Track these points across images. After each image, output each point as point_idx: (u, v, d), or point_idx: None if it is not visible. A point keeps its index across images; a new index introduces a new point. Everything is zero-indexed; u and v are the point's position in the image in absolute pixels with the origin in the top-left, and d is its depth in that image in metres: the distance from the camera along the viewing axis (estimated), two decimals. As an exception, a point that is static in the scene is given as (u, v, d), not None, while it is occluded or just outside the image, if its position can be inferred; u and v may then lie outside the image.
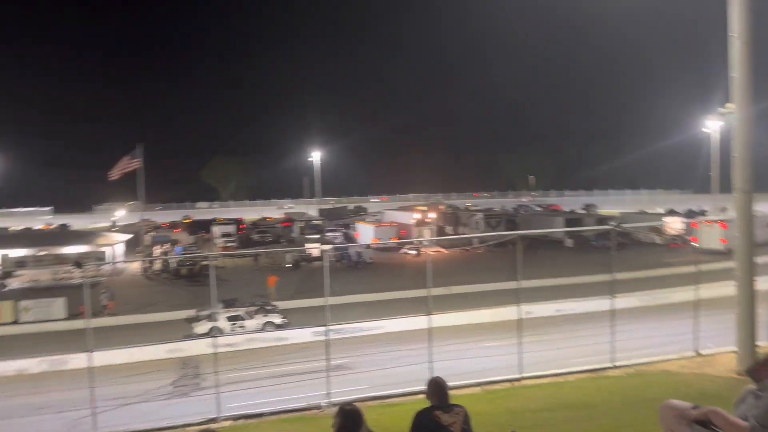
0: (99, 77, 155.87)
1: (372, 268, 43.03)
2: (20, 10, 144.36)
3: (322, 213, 77.33)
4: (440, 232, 57.00)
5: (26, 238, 54.22)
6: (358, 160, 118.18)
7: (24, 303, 29.45)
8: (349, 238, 59.11)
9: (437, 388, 5.70)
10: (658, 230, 50.41)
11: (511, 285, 27.87)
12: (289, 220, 69.94)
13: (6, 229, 64.85)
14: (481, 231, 54.34)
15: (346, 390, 16.49)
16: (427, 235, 53.32)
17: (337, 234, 57.91)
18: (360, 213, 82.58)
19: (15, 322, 28.68)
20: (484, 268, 36.68)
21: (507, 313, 23.48)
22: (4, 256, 44.13)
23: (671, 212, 62.74)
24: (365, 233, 56.30)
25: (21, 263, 43.41)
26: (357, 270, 41.75)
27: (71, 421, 15.76)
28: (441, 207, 70.60)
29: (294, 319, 27.06)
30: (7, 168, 72.35)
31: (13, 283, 39.88)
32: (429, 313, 17.11)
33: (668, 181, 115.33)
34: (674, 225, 48.94)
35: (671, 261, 36.34)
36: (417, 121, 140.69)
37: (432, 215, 59.36)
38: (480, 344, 21.44)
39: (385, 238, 51.99)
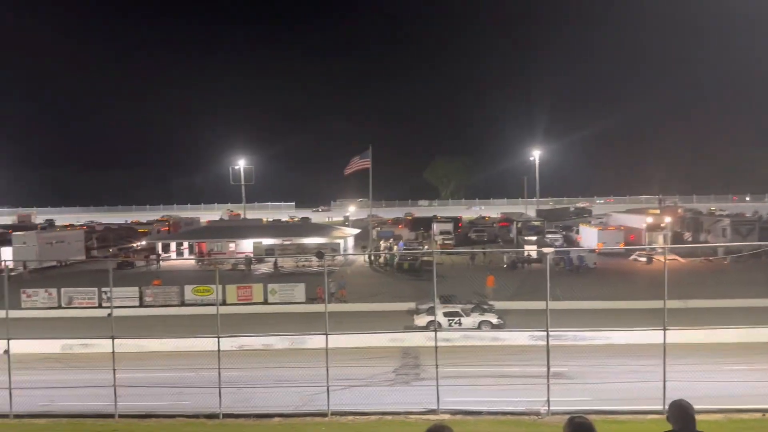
0: (334, 81, 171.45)
1: (595, 273, 40.62)
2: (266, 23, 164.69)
3: (541, 214, 75.18)
4: (677, 238, 51.68)
5: (275, 228, 61.71)
6: (583, 157, 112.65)
7: (271, 286, 33.48)
8: (570, 241, 56.60)
9: (682, 413, 5.10)
10: None
11: (763, 303, 24.10)
12: (506, 220, 69.33)
13: (260, 220, 74.48)
14: (728, 240, 47.95)
15: (566, 399, 15.80)
16: (660, 241, 48.74)
17: (557, 236, 55.84)
18: (583, 215, 78.65)
19: (264, 302, 32.72)
20: (730, 281, 32.38)
21: (758, 334, 20.46)
22: (257, 244, 50.75)
23: None
24: (588, 236, 53.44)
25: (270, 251, 49.52)
26: (578, 275, 39.76)
27: (307, 396, 17.47)
28: (678, 210, 63.96)
29: (510, 320, 26.70)
30: (259, 167, 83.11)
31: (263, 268, 45.71)
32: (664, 328, 15.57)
33: None
34: None
35: None
36: (651, 114, 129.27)
37: (667, 219, 54.02)
38: (722, 366, 18.96)
39: (611, 242, 48.76)
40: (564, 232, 59.25)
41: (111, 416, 15.99)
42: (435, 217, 72.45)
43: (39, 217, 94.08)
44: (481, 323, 26.17)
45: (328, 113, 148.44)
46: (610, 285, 34.61)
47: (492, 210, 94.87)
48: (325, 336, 16.40)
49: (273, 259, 47.20)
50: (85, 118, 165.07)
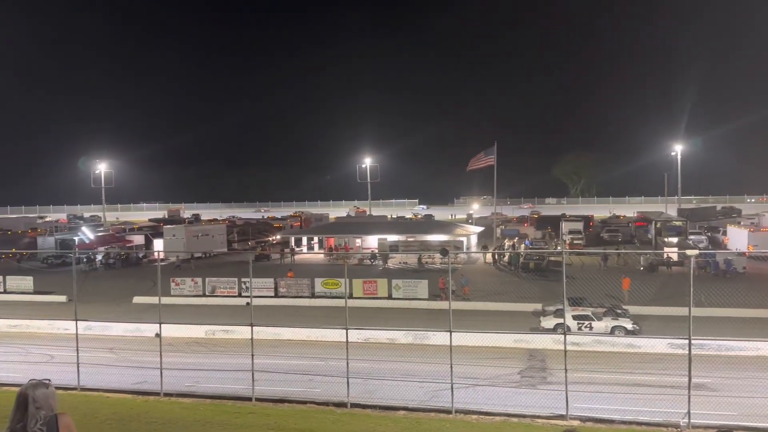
0: (460, 78, 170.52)
1: (744, 279, 37.03)
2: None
3: (683, 213, 69.77)
4: None
5: (399, 225, 62.65)
6: (732, 153, 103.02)
7: (395, 281, 34.03)
8: (716, 243, 52.11)
9: None
10: None
11: None
12: (644, 219, 65.14)
13: (385, 217, 76.03)
14: None
15: (709, 413, 14.58)
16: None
17: (702, 237, 51.62)
18: (731, 214, 72.09)
19: (388, 297, 33.35)
20: None
21: None
22: (382, 240, 51.83)
23: None
24: (737, 238, 48.84)
25: (394, 247, 50.38)
26: (725, 280, 36.46)
27: (431, 391, 17.56)
28: None
29: (647, 326, 25.08)
30: (384, 165, 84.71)
31: (388, 263, 46.57)
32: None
33: None
34: None
35: None
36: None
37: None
38: None
39: (764, 245, 44.21)
40: (709, 234, 54.65)
41: (248, 399, 17.07)
42: (564, 215, 69.79)
43: (186, 211, 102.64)
44: (614, 328, 24.81)
45: (453, 109, 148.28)
46: (762, 292, 31.40)
47: (627, 209, 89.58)
48: (449, 333, 16.38)
49: (397, 256, 47.96)
50: (227, 121, 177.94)
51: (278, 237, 62.59)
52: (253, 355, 17.59)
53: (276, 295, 33.99)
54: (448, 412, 15.70)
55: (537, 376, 20.18)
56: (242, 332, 21.53)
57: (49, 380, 3.89)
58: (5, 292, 34.81)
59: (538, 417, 15.02)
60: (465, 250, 49.31)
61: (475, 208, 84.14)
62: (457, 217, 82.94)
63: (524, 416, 15.20)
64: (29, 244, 56.12)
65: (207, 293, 34.81)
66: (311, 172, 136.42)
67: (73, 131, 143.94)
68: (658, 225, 56.03)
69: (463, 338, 19.63)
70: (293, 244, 57.51)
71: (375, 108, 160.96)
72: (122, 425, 14.87)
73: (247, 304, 22.04)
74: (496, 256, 47.12)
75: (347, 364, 16.81)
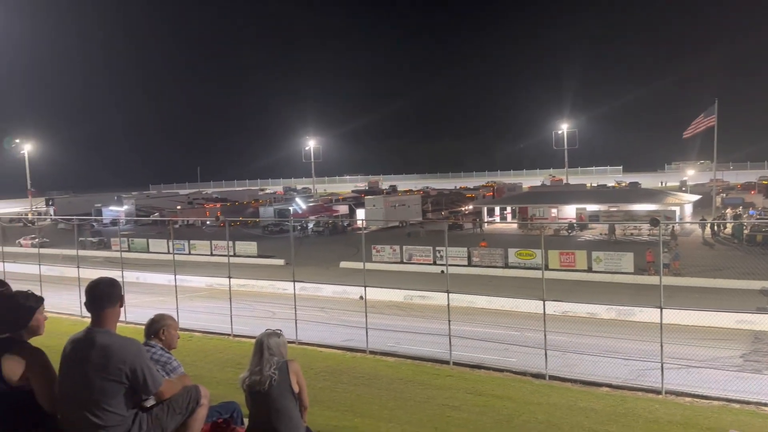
0: (676, 36, 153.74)
1: None
2: None
3: None
4: None
5: (599, 194, 59.08)
6: None
7: (596, 253, 32.27)
8: None
9: None
10: None
11: None
12: None
13: (583, 185, 72.25)
14: None
15: None
16: None
17: None
18: None
19: (588, 270, 31.80)
20: None
21: None
22: (581, 210, 49.36)
23: None
24: None
25: (594, 217, 47.70)
26: None
27: (636, 370, 16.55)
28: None
29: None
30: (583, 130, 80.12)
31: (587, 235, 44.31)
32: None
33: None
34: None
35: None
36: None
37: None
38: None
39: None
40: None
41: (446, 362, 17.64)
42: (801, 181, 60.15)
43: (384, 183, 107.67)
44: None
45: (665, 67, 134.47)
46: None
47: None
48: (659, 309, 15.20)
49: (597, 226, 45.39)
50: (422, 95, 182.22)
51: (470, 207, 62.92)
52: (449, 321, 18.07)
53: (469, 264, 34.33)
54: (657, 392, 14.69)
55: (763, 361, 17.92)
56: (438, 298, 22.16)
57: (281, 330, 4.39)
58: (235, 255, 39.82)
59: (765, 405, 13.36)
60: (678, 221, 44.97)
61: (690, 174, 75.94)
62: (668, 184, 75.58)
63: (748, 402, 13.65)
64: (253, 214, 63.42)
65: (404, 260, 36.36)
66: (503, 141, 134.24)
67: (287, 110, 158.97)
68: None
69: (674, 315, 18.06)
70: (485, 213, 57.39)
71: (574, 70, 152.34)
72: (334, 377, 16.34)
73: (442, 272, 22.60)
74: (716, 228, 42.25)
75: (545, 336, 16.51)
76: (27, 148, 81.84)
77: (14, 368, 3.31)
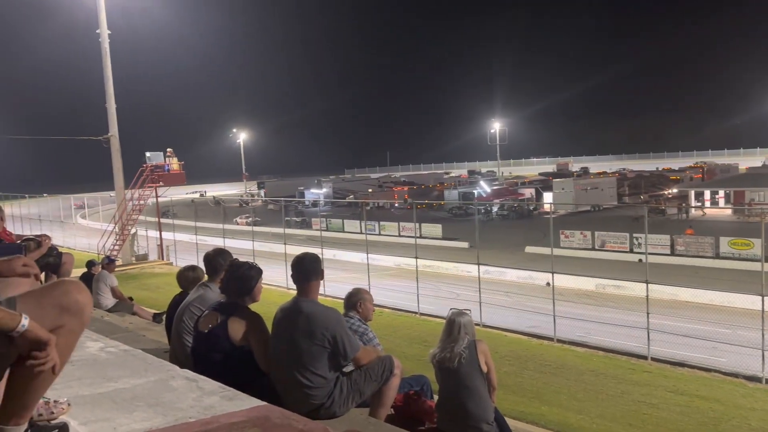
0: None
1: None
2: None
3: None
4: None
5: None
6: None
7: None
8: None
9: None
10: None
11: None
12: None
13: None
14: None
15: None
16: None
17: None
18: None
19: None
20: None
21: None
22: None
23: None
24: None
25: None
26: None
27: None
28: None
29: None
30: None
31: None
32: None
33: None
34: None
35: None
36: None
37: None
38: None
39: None
40: None
41: (643, 357, 16.44)
42: None
43: (575, 165, 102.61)
44: None
45: None
46: None
47: None
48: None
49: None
50: (617, 70, 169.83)
51: (675, 190, 57.33)
52: (648, 314, 16.81)
53: (672, 253, 31.42)
54: None
55: None
56: (634, 289, 20.67)
57: (469, 310, 4.45)
58: (421, 237, 40.96)
59: None
60: None
61: None
62: None
63: None
64: (437, 197, 64.55)
65: (596, 247, 34.41)
66: (715, 117, 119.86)
67: (474, 93, 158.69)
68: None
69: None
70: (693, 198, 51.91)
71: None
72: (519, 363, 16.13)
73: (640, 260, 21.00)
74: None
75: (762, 335, 14.66)
76: (242, 136, 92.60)
77: (238, 330, 3.77)
